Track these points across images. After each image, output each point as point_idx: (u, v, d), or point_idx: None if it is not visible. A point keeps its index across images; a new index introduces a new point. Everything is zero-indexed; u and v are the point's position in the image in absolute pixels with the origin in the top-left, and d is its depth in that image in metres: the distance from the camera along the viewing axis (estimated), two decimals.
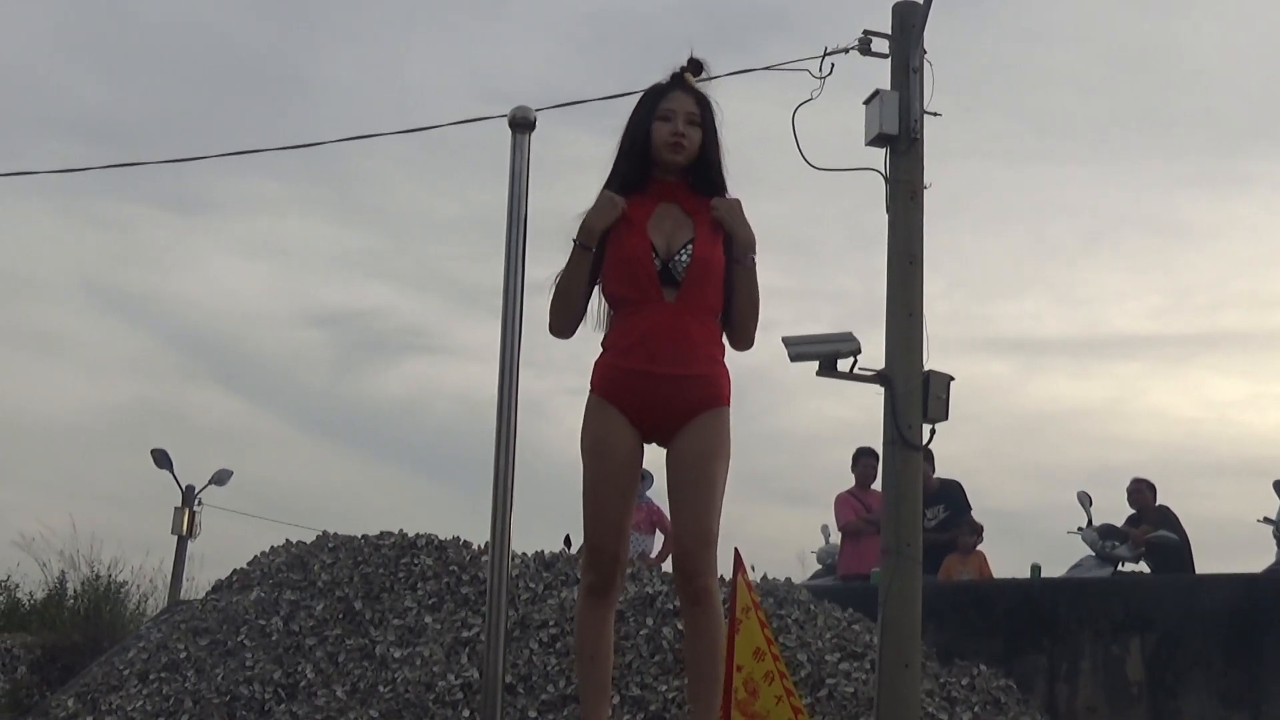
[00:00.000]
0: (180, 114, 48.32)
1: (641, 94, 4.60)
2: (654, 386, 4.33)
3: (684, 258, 4.33)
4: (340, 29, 50.38)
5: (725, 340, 4.50)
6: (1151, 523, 11.54)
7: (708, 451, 4.34)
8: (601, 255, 4.44)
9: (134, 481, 48.73)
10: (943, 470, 11.96)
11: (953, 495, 11.97)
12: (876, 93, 8.55)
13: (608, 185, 4.50)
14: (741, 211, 4.43)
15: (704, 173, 4.47)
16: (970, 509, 12.02)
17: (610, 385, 4.40)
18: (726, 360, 4.50)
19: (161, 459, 25.08)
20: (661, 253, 4.35)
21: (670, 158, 4.44)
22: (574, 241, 4.45)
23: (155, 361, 47.72)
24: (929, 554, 11.52)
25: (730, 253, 4.41)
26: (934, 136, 8.62)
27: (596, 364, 4.46)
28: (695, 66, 4.58)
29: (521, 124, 4.64)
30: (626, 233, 4.39)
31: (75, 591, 19.95)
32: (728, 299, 4.44)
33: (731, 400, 4.46)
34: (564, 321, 4.52)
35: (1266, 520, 10.95)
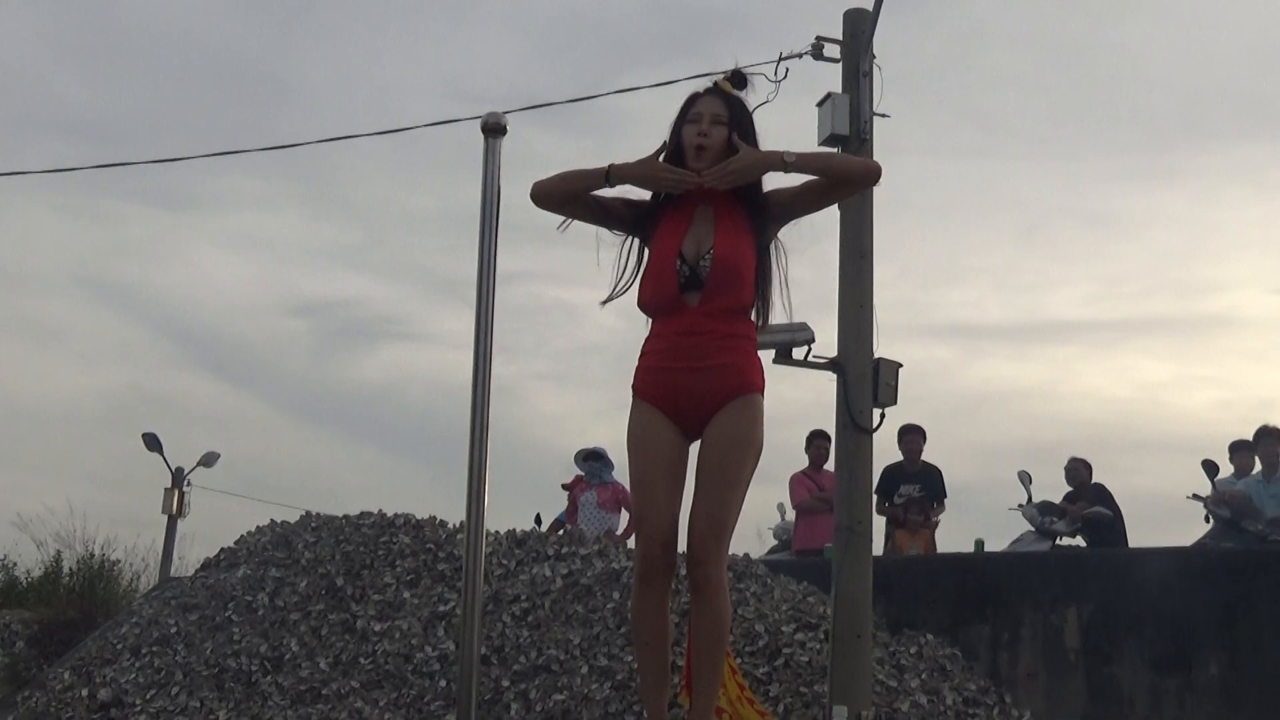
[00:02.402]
0: (167, 115, 48.06)
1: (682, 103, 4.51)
2: (682, 381, 4.29)
3: (706, 264, 4.28)
4: (318, 34, 50.14)
5: (755, 331, 4.45)
6: (1087, 499, 11.61)
7: (733, 438, 4.28)
8: (640, 256, 4.44)
9: (125, 464, 48.57)
10: (893, 449, 12.02)
11: (931, 479, 12.03)
12: (828, 95, 8.57)
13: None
14: (744, 160, 4.29)
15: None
16: (944, 495, 12.06)
17: (645, 386, 4.38)
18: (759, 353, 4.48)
19: (152, 442, 24.96)
20: (689, 258, 4.29)
21: (694, 162, 4.33)
22: (608, 165, 4.38)
23: (145, 350, 47.56)
24: (891, 527, 11.62)
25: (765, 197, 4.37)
26: (883, 136, 8.64)
27: (635, 370, 4.44)
28: (737, 80, 4.49)
29: (494, 129, 4.62)
30: (660, 242, 4.35)
31: (70, 569, 19.83)
32: (811, 198, 4.39)
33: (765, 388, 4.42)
34: (551, 194, 4.43)
35: (1196, 497, 11.02)
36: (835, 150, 4.44)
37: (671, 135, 4.43)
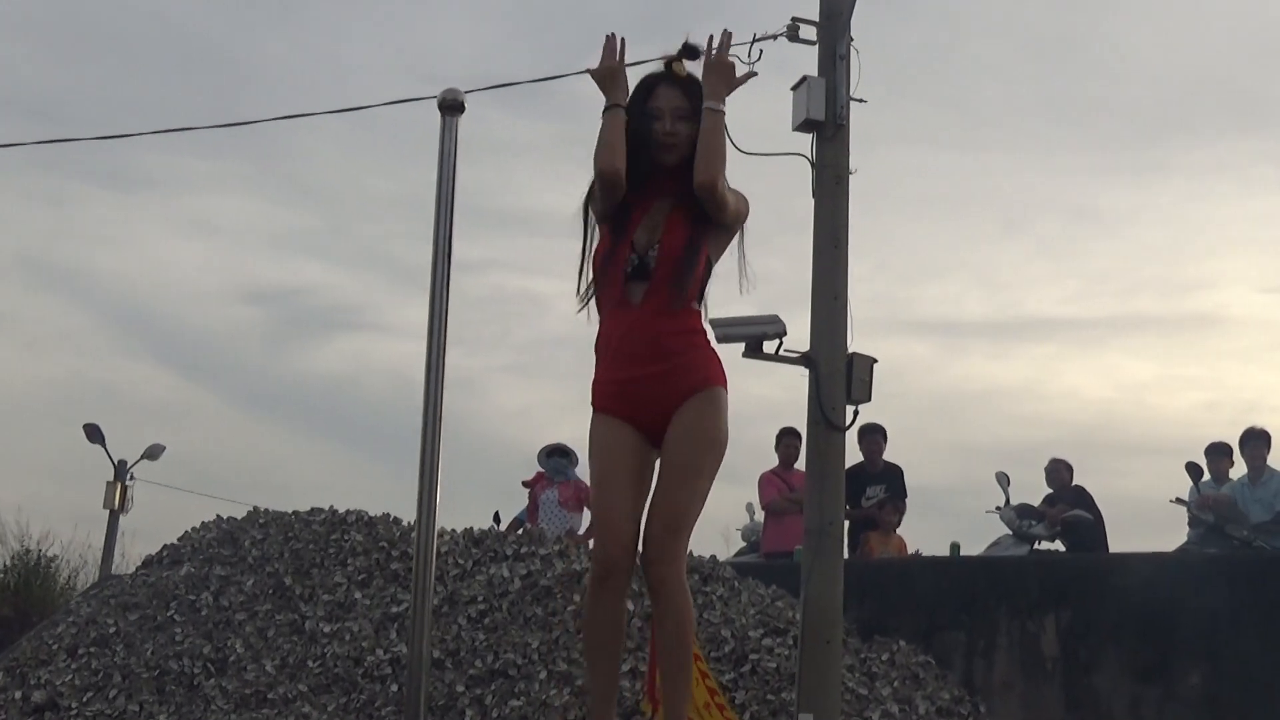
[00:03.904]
0: (116, 91, 47.79)
1: (635, 86, 4.51)
2: (639, 389, 4.32)
3: (654, 254, 4.31)
4: (276, 9, 49.93)
5: (706, 324, 4.47)
6: (1068, 502, 11.64)
7: (691, 435, 4.30)
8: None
9: (66, 456, 48.22)
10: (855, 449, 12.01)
11: (893, 479, 12.06)
12: (804, 79, 8.54)
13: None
14: (721, 71, 4.39)
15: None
16: (906, 494, 12.10)
17: (601, 398, 4.41)
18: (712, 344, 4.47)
19: (94, 434, 24.78)
20: (639, 247, 4.32)
21: (663, 159, 4.40)
22: (610, 105, 4.42)
23: (89, 337, 47.31)
24: (857, 530, 11.64)
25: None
26: (860, 123, 8.62)
27: (592, 382, 4.45)
28: (688, 51, 4.48)
29: (451, 106, 4.60)
30: (615, 232, 4.37)
31: (5, 566, 19.73)
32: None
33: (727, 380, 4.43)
34: (604, 156, 4.36)
35: (1179, 501, 11.06)
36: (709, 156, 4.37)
37: (630, 118, 4.42)
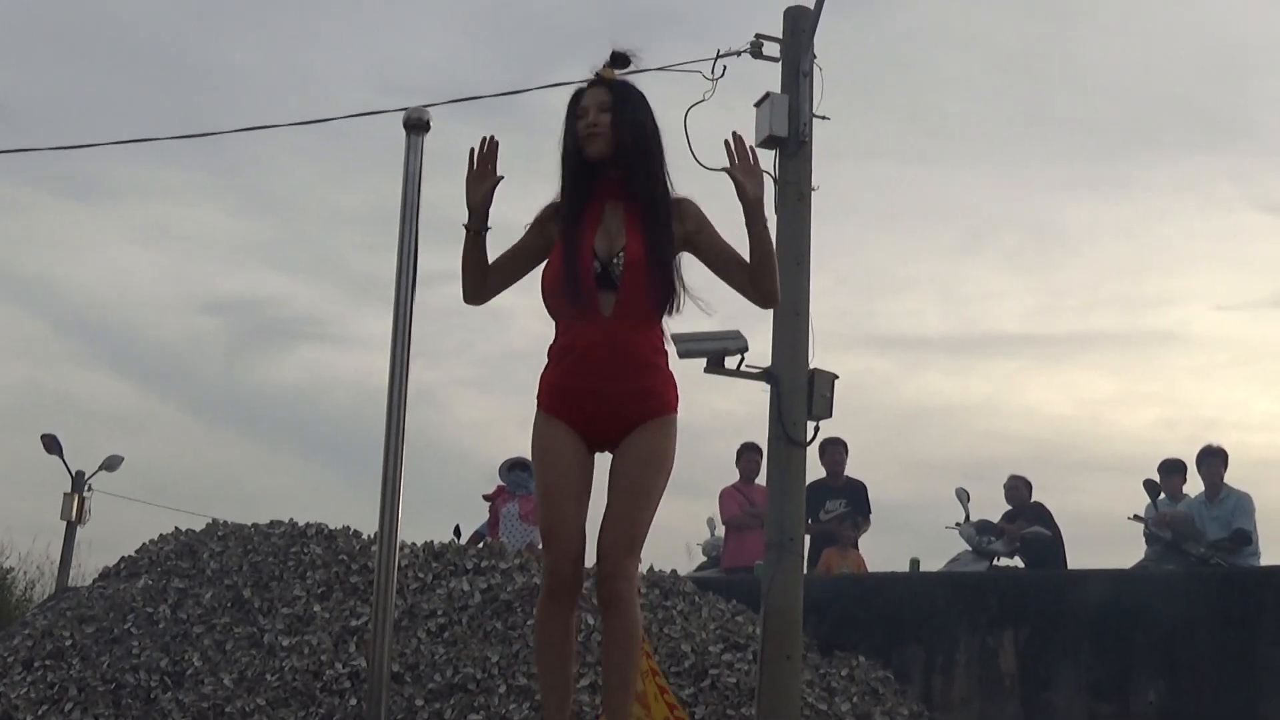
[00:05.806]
0: (76, 99, 47.55)
1: (567, 102, 4.50)
2: (595, 402, 4.30)
3: (619, 262, 4.29)
4: (240, 16, 49.78)
5: (670, 345, 4.46)
6: (1027, 519, 11.71)
7: (647, 460, 4.32)
8: (533, 250, 4.45)
9: (23, 466, 47.91)
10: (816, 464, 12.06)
11: (856, 494, 12.10)
12: (767, 95, 8.59)
13: (558, 195, 4.48)
14: (750, 175, 4.45)
15: (625, 159, 4.38)
16: (870, 511, 12.14)
17: (553, 401, 4.38)
18: (671, 366, 4.47)
19: (51, 444, 24.67)
20: (602, 255, 4.31)
21: (589, 150, 4.38)
22: (464, 226, 4.45)
23: (47, 346, 47.03)
24: (816, 544, 11.68)
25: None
26: (822, 139, 8.67)
27: (540, 380, 4.43)
28: (618, 60, 4.50)
29: (416, 125, 4.62)
30: (571, 241, 4.34)
31: None
32: (718, 264, 4.45)
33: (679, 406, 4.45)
34: (468, 291, 4.51)
35: (1136, 518, 11.13)
36: (773, 261, 4.47)
37: (565, 135, 4.45)
